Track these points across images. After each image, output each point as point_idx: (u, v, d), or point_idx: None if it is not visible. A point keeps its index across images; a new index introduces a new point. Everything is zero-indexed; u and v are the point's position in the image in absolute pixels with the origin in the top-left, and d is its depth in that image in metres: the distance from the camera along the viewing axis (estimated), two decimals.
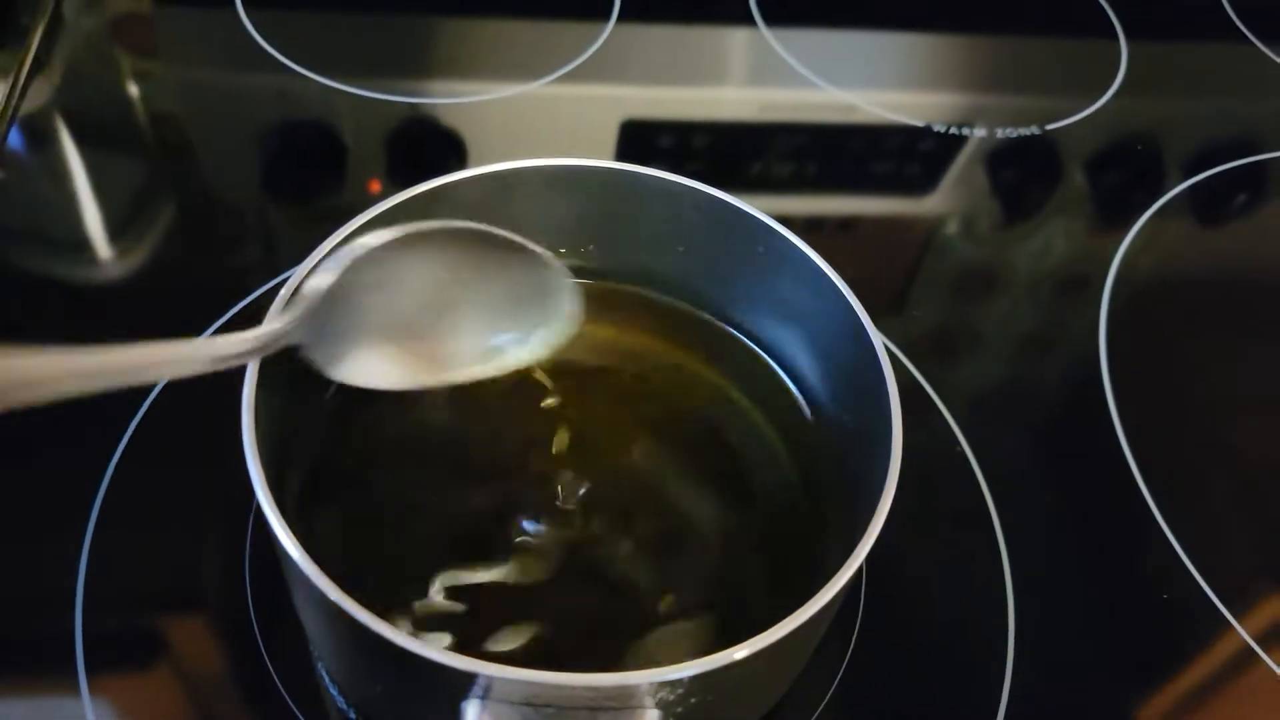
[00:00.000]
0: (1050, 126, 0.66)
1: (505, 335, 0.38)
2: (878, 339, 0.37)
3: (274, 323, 0.32)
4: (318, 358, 0.34)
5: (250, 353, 0.32)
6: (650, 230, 0.43)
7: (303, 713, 0.38)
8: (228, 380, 0.32)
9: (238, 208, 0.57)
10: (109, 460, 0.43)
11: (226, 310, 0.49)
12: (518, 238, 0.37)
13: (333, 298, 0.33)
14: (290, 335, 0.32)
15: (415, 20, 0.68)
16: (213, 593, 0.41)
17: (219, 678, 0.39)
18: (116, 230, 0.54)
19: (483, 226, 0.36)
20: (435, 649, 0.28)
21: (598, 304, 0.45)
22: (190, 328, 0.49)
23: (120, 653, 0.39)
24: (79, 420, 0.45)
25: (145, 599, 0.41)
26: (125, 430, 0.44)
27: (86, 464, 0.43)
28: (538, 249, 0.37)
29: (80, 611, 0.39)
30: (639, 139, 0.63)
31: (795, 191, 0.62)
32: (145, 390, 0.46)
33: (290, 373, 0.34)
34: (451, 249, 0.35)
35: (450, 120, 0.61)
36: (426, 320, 0.36)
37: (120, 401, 0.45)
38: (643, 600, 0.38)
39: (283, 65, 0.62)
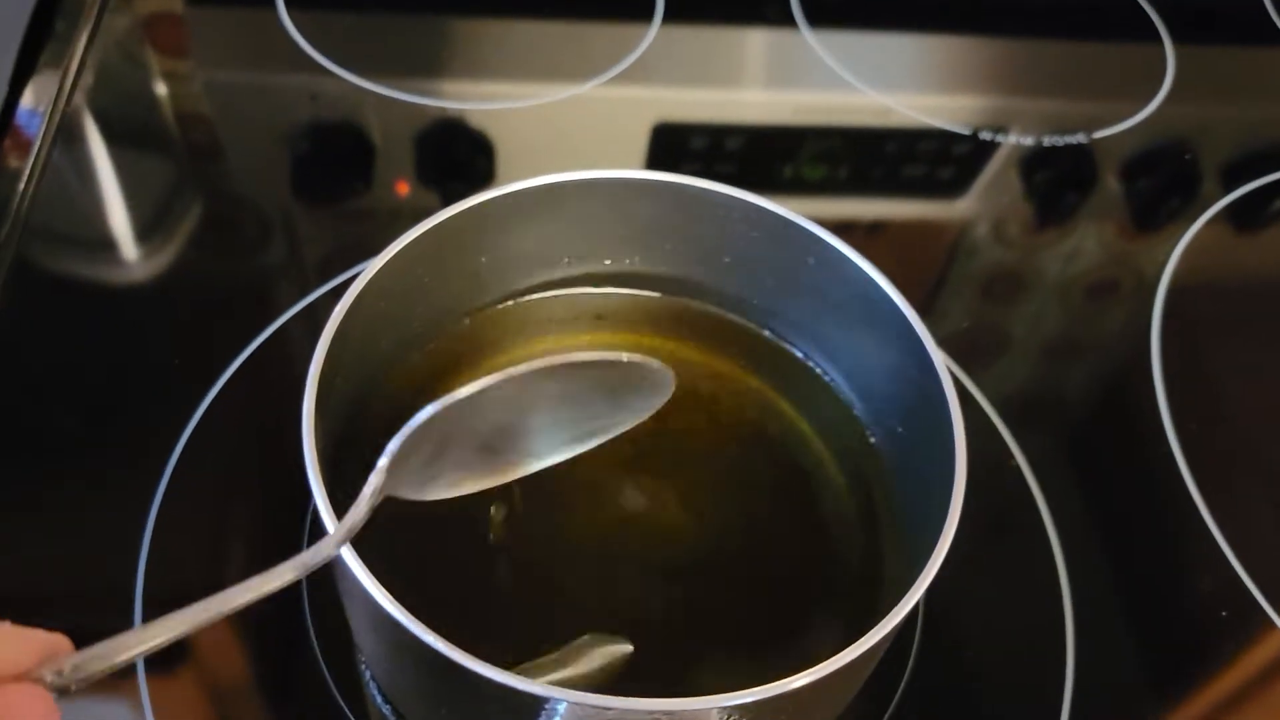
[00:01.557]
0: (1098, 135, 0.65)
1: (594, 422, 0.35)
2: (938, 356, 0.37)
3: (356, 511, 0.30)
4: (401, 494, 0.32)
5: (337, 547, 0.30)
6: (697, 241, 0.43)
7: (355, 714, 0.39)
8: (284, 389, 0.32)
9: (265, 208, 0.57)
10: (167, 461, 0.44)
11: (251, 309, 0.49)
12: (612, 355, 0.33)
13: (409, 451, 0.30)
14: (368, 512, 0.30)
15: (463, 22, 0.68)
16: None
17: (275, 678, 0.40)
18: (144, 230, 0.54)
19: (578, 357, 0.32)
20: (506, 673, 0.28)
21: (643, 315, 0.45)
22: (215, 327, 0.49)
23: (179, 651, 0.39)
24: (138, 421, 0.46)
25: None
26: (183, 431, 0.45)
27: (145, 464, 0.44)
28: (634, 358, 0.33)
29: (140, 610, 0.40)
30: (671, 142, 0.62)
31: (826, 193, 0.61)
32: (203, 392, 0.46)
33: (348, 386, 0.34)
34: (540, 380, 0.32)
35: (481, 123, 0.61)
36: (510, 433, 0.34)
37: (179, 403, 0.46)
38: (696, 617, 0.38)
39: (319, 66, 0.62)
